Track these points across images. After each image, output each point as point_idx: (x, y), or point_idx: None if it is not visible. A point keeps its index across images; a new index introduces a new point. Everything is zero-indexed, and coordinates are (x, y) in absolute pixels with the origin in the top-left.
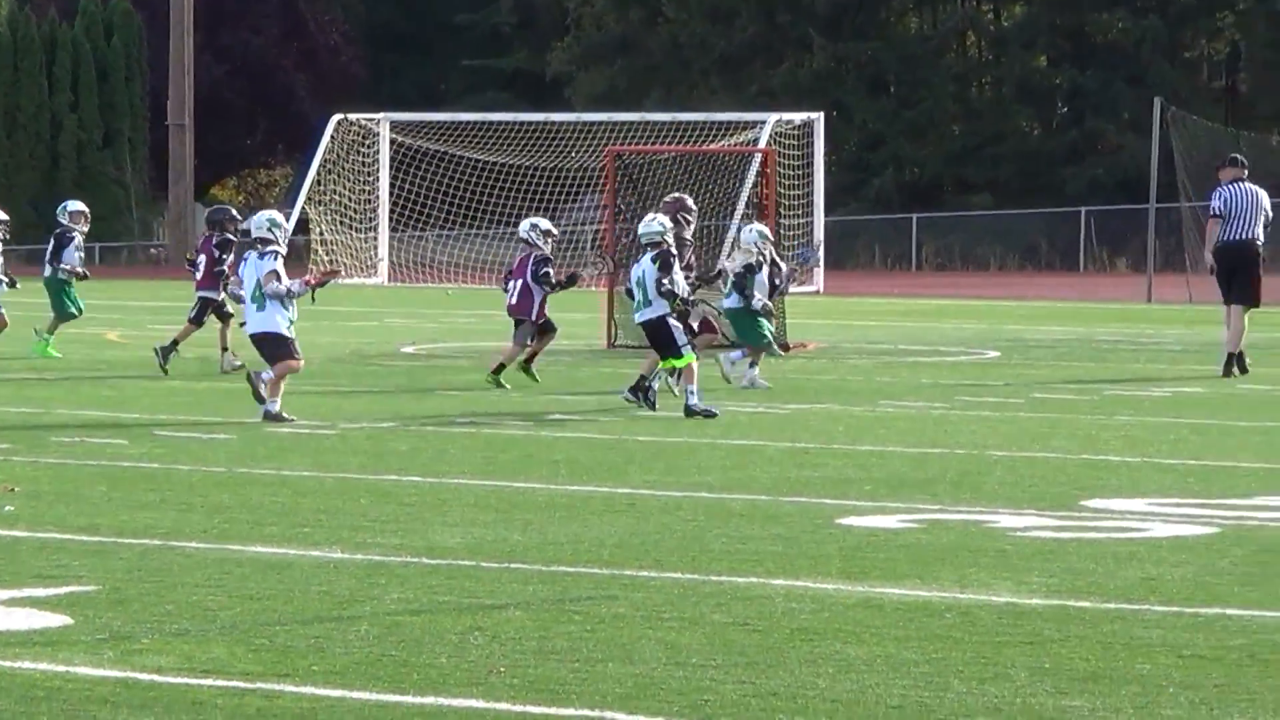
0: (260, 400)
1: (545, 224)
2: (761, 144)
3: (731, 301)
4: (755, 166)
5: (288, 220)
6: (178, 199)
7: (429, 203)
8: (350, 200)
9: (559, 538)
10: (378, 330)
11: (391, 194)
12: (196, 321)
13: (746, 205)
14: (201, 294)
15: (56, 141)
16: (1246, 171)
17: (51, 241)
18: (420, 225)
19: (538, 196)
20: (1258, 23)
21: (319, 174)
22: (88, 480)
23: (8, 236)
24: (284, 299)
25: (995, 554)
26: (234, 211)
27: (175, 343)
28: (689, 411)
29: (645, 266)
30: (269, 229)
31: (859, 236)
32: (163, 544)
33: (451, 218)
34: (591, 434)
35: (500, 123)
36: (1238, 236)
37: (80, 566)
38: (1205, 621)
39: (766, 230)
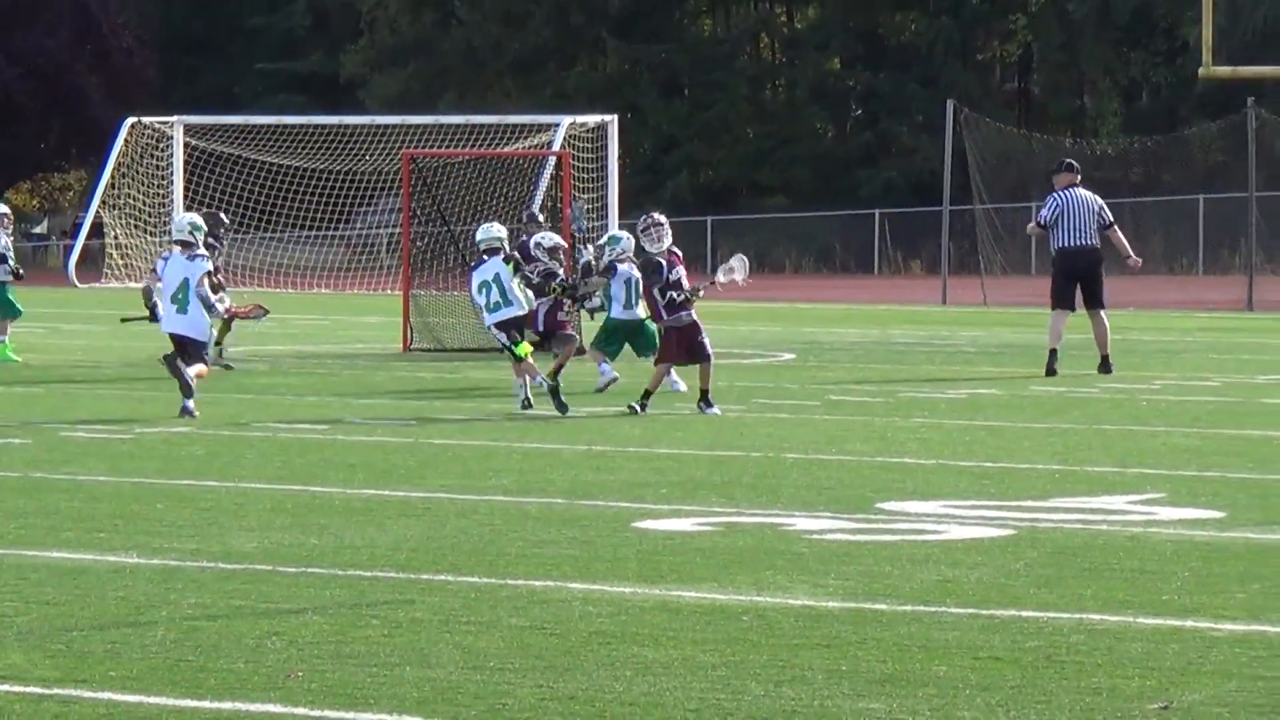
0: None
1: (551, 240)
2: (555, 146)
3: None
4: (549, 169)
5: (82, 225)
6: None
7: (224, 206)
8: (145, 204)
9: (355, 542)
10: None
11: (186, 198)
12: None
13: (540, 208)
14: None
15: None
16: (1079, 177)
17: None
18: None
19: (333, 200)
20: (1049, 25)
21: (113, 178)
22: None
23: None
24: (210, 306)
25: (792, 557)
26: (222, 217)
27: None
28: (525, 404)
29: (497, 269)
30: (190, 232)
31: None
32: None
33: (247, 221)
34: (387, 438)
35: (295, 126)
36: (1078, 243)
37: None
38: (1001, 623)
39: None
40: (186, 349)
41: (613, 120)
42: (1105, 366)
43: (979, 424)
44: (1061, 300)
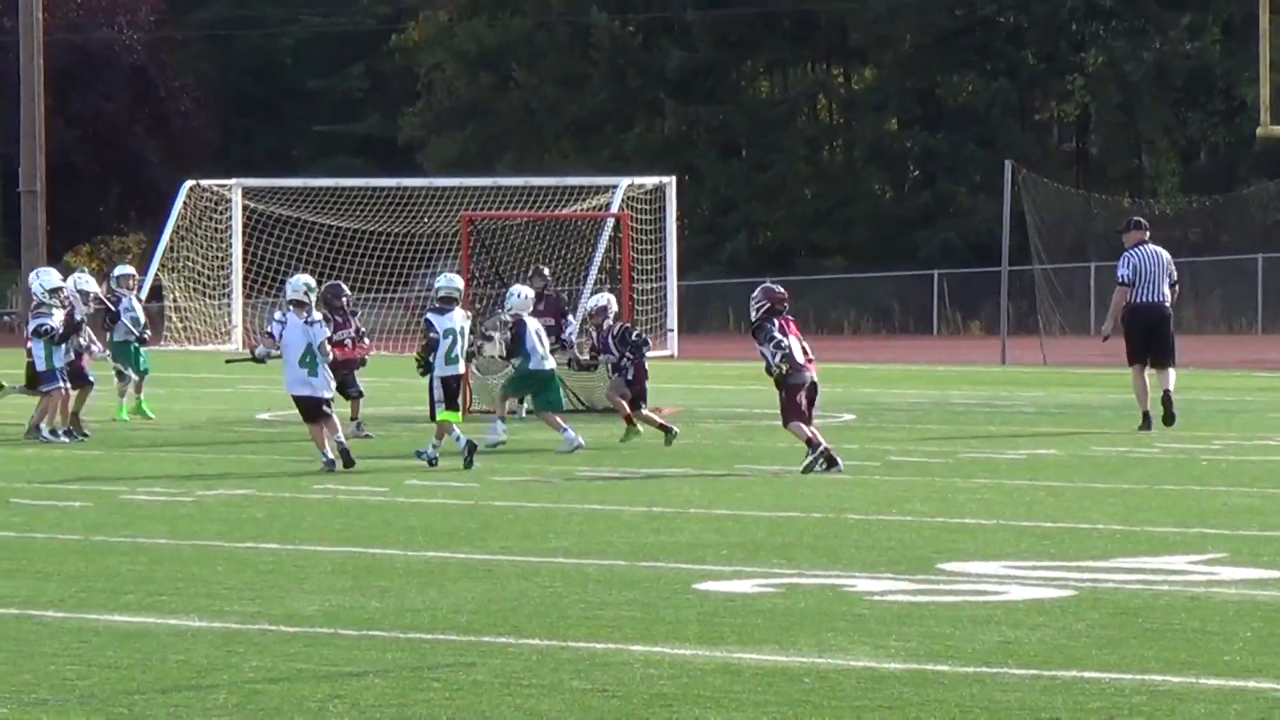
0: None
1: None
2: (614, 208)
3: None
4: (608, 231)
5: (141, 288)
6: (30, 266)
7: (283, 269)
8: (204, 267)
9: (416, 604)
10: (233, 397)
11: (245, 260)
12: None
13: (600, 269)
14: None
15: None
16: (1149, 233)
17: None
18: (274, 291)
19: (391, 262)
20: (1107, 86)
21: (172, 240)
22: None
23: (92, 308)
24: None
25: (853, 618)
26: (345, 288)
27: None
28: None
29: (463, 323)
30: (305, 293)
31: (712, 300)
32: (20, 613)
33: None
34: (448, 500)
35: (353, 188)
36: (1149, 299)
37: None
38: (1063, 684)
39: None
40: (314, 410)
41: (671, 182)
42: (1168, 408)
43: (1039, 484)
44: (1138, 356)
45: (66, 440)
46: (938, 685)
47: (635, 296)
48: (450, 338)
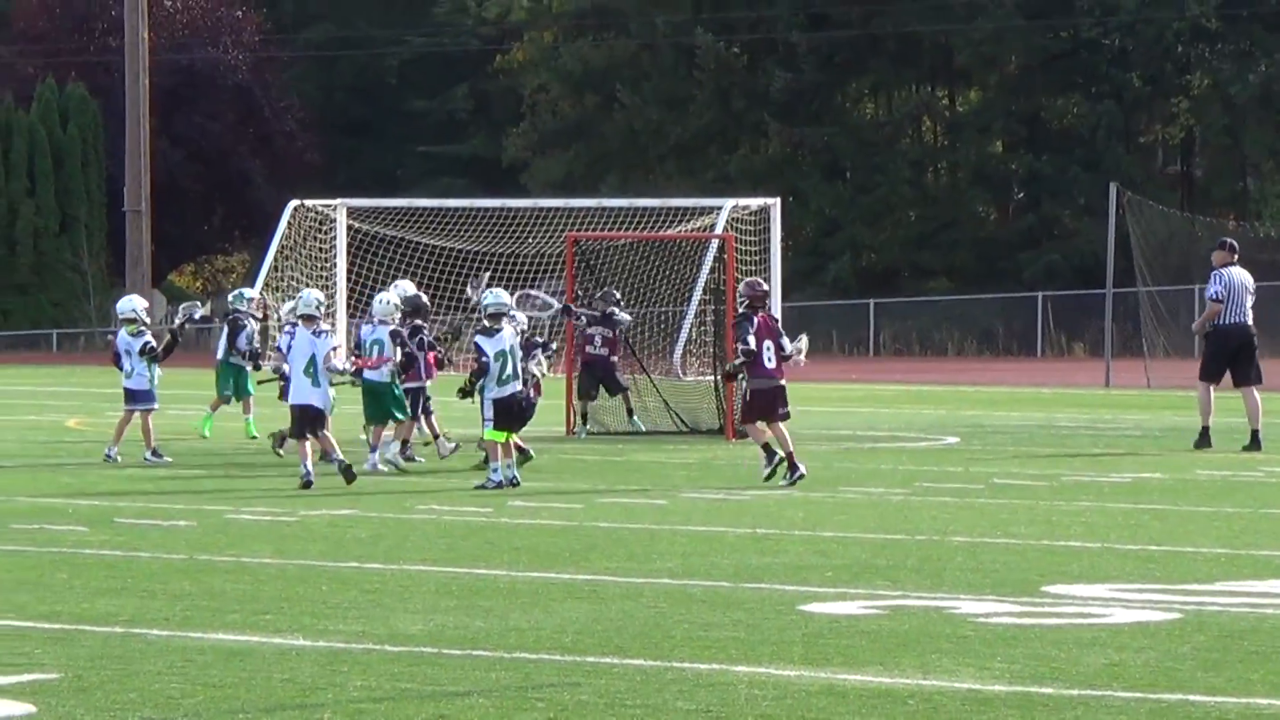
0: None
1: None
2: (718, 229)
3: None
4: (713, 252)
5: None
6: (135, 285)
7: (386, 288)
8: (307, 286)
9: (521, 624)
10: (337, 418)
11: (349, 279)
12: (414, 415)
13: (704, 290)
14: (408, 386)
15: (13, 228)
16: (1237, 255)
17: (225, 328)
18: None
19: (495, 282)
20: (1212, 109)
21: (276, 260)
22: (49, 568)
23: (261, 316)
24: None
25: (957, 640)
26: (424, 299)
27: (407, 442)
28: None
29: (513, 340)
30: (316, 307)
31: (816, 322)
32: (125, 631)
33: None
34: (552, 521)
35: (457, 208)
36: (1235, 320)
37: (42, 654)
38: (1168, 708)
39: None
40: (308, 422)
41: (775, 203)
42: (1255, 442)
43: (1144, 507)
44: (1214, 374)
45: (155, 459)
46: (1042, 708)
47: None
48: (501, 360)
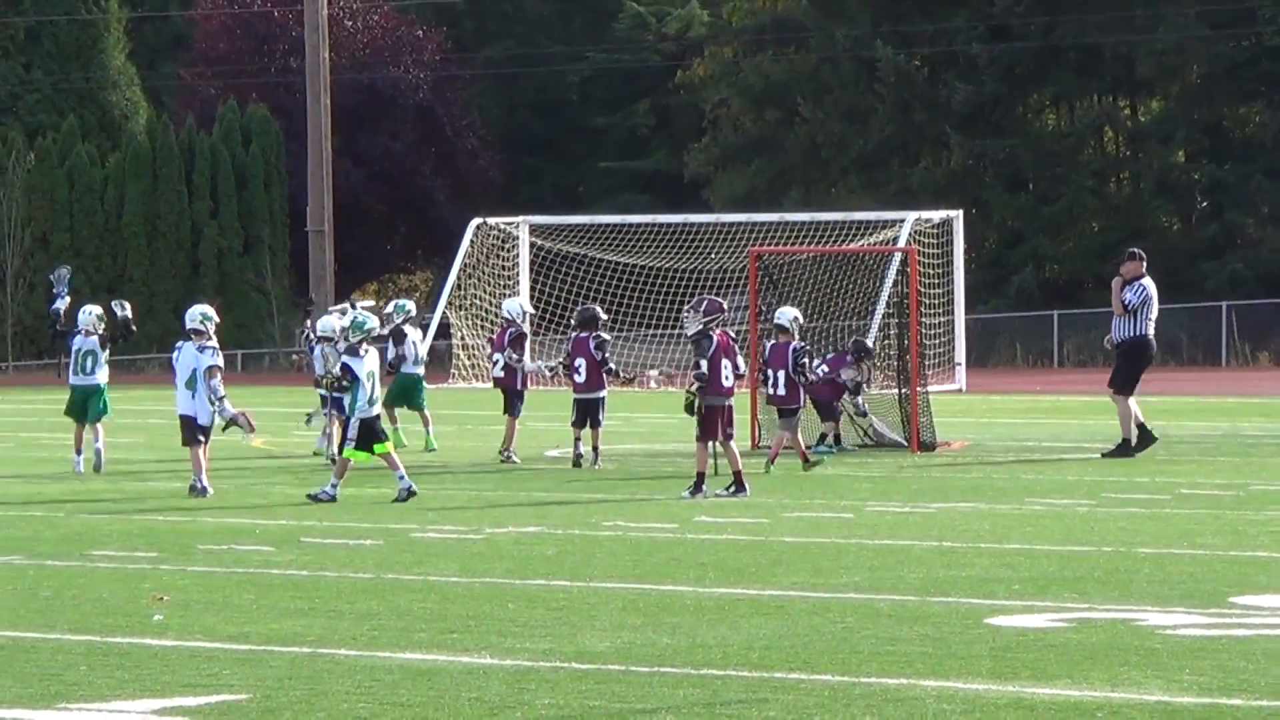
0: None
1: (797, 313)
2: (901, 242)
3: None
4: (895, 265)
5: (429, 326)
6: (318, 305)
7: (569, 306)
8: (491, 304)
9: (708, 640)
10: (521, 434)
11: (532, 297)
12: (593, 424)
13: (887, 304)
14: (581, 397)
15: (197, 249)
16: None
17: (390, 341)
18: (561, 329)
19: (677, 298)
20: None
21: (459, 278)
22: (236, 588)
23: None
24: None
25: (1145, 653)
26: (599, 310)
27: (581, 455)
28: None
29: (378, 362)
30: (201, 321)
31: (1000, 334)
32: (312, 652)
33: None
34: (737, 536)
35: (639, 225)
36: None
37: (230, 675)
38: None
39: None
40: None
41: (958, 216)
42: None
43: None
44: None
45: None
46: None
47: (923, 330)
48: (371, 381)
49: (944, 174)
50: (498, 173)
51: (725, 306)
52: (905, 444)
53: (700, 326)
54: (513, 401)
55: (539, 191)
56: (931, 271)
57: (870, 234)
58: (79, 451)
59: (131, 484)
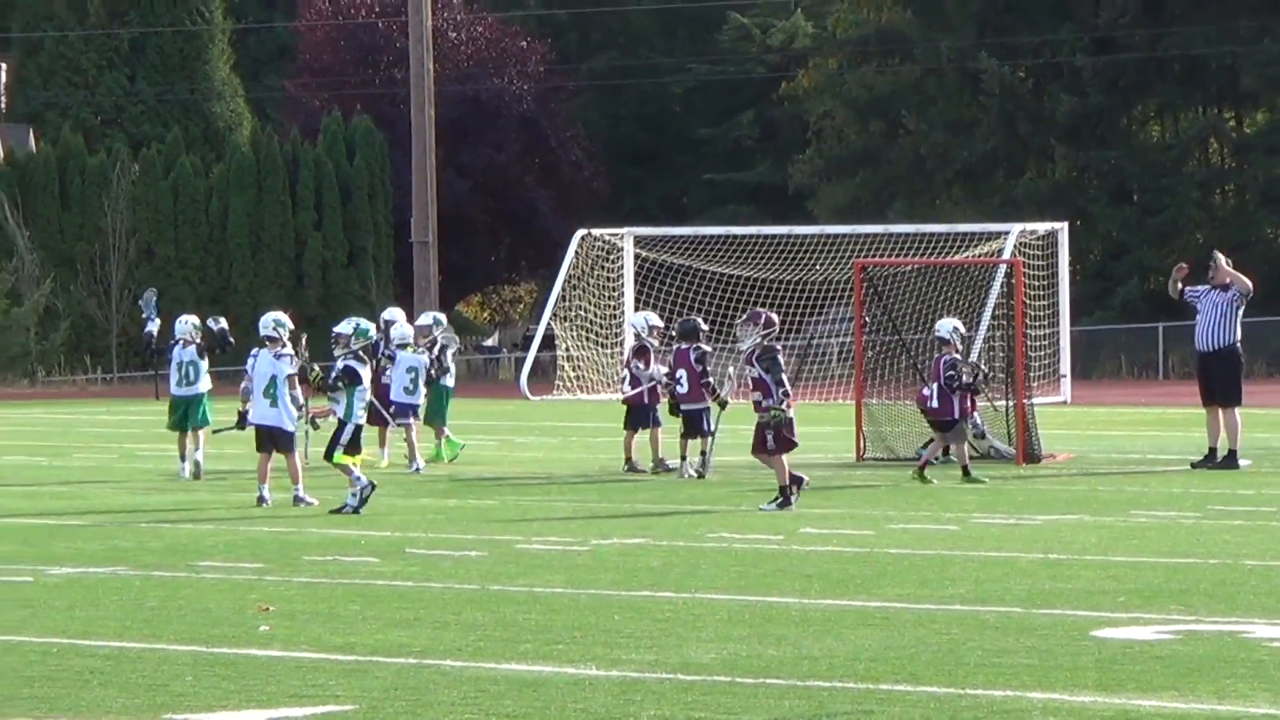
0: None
1: (957, 323)
2: (1006, 254)
3: None
4: (1000, 277)
5: (533, 337)
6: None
7: (674, 317)
8: (595, 315)
9: (813, 652)
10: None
11: (636, 309)
12: (700, 434)
13: (993, 315)
14: (687, 408)
15: (301, 260)
16: None
17: (435, 353)
18: (666, 340)
19: (782, 310)
20: None
21: (564, 289)
22: (342, 599)
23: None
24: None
25: (1253, 665)
26: (700, 322)
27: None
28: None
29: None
30: (275, 328)
31: (1104, 346)
32: (418, 662)
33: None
34: (843, 547)
35: (744, 236)
36: None
37: (336, 686)
38: None
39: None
40: (276, 440)
41: (1063, 228)
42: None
43: None
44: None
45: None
46: None
47: (1028, 342)
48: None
49: (1048, 185)
50: (602, 184)
51: (776, 320)
52: (1012, 456)
53: (759, 339)
54: (644, 414)
55: (643, 203)
56: (1036, 283)
57: (975, 246)
58: (184, 459)
59: (236, 495)
